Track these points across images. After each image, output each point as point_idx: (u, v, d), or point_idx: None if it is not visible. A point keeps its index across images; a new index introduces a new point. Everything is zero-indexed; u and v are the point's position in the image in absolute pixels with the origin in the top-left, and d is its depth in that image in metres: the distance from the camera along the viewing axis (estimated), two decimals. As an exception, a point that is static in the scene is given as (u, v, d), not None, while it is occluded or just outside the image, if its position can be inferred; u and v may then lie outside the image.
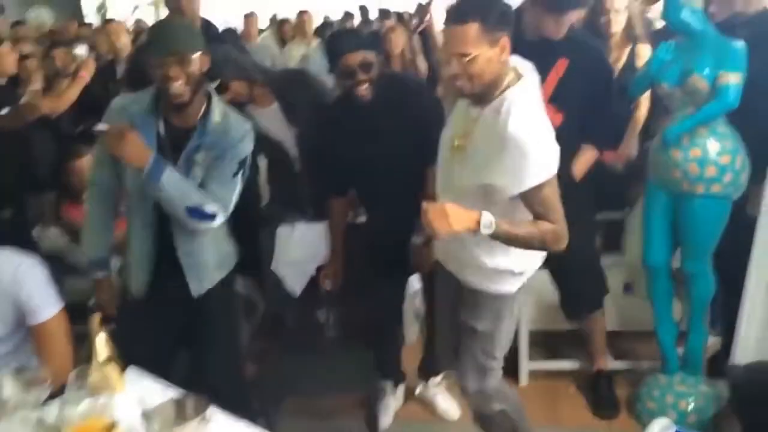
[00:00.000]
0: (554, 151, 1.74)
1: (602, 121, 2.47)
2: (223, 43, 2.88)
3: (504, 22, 1.71)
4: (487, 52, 1.69)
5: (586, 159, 2.48)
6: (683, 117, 2.29)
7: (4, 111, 2.47)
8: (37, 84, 3.13)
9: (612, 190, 3.07)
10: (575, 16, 2.37)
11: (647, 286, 2.64)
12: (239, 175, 2.06)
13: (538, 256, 1.97)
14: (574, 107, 2.28)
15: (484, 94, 1.77)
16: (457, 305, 2.03)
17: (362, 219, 2.70)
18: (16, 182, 2.54)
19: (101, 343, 1.62)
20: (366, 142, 2.30)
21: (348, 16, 7.97)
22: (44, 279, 1.98)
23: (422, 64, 4.74)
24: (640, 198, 2.77)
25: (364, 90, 2.24)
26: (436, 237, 1.73)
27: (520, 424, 2.18)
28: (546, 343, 3.09)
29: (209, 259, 2.17)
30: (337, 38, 2.44)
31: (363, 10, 7.98)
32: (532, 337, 2.95)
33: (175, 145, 2.01)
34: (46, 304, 1.96)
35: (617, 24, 3.06)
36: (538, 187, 1.71)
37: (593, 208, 2.74)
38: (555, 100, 2.25)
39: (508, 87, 1.76)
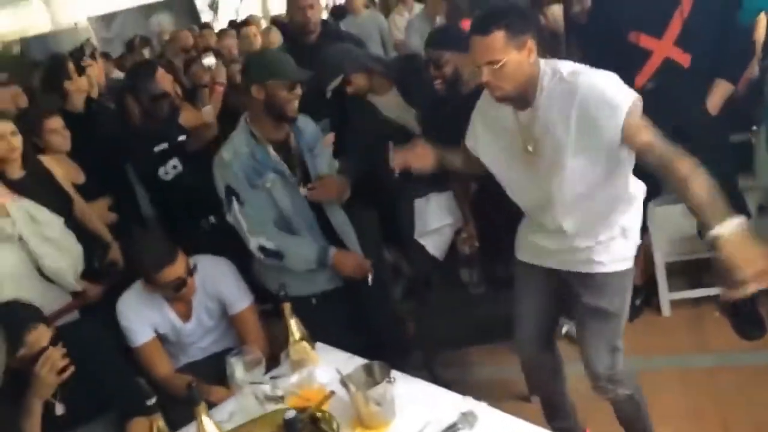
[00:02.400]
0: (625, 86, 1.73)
1: (733, 53, 2.46)
2: (341, 40, 3.14)
3: (527, 26, 1.75)
4: (515, 57, 1.72)
5: (720, 94, 2.50)
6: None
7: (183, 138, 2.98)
8: (209, 109, 3.47)
9: (737, 112, 3.05)
10: None
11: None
12: None
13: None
14: (702, 46, 2.28)
15: (523, 96, 1.80)
16: (572, 294, 2.05)
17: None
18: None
19: (295, 326, 1.99)
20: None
21: None
22: (237, 277, 2.41)
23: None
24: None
25: (438, 84, 2.49)
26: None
27: (644, 411, 2.15)
28: (685, 273, 3.17)
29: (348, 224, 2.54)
30: (430, 33, 2.70)
31: None
32: (671, 268, 3.06)
33: (285, 155, 2.35)
34: (241, 298, 2.40)
35: None
36: (636, 127, 1.67)
37: (725, 132, 2.77)
38: (681, 41, 2.28)
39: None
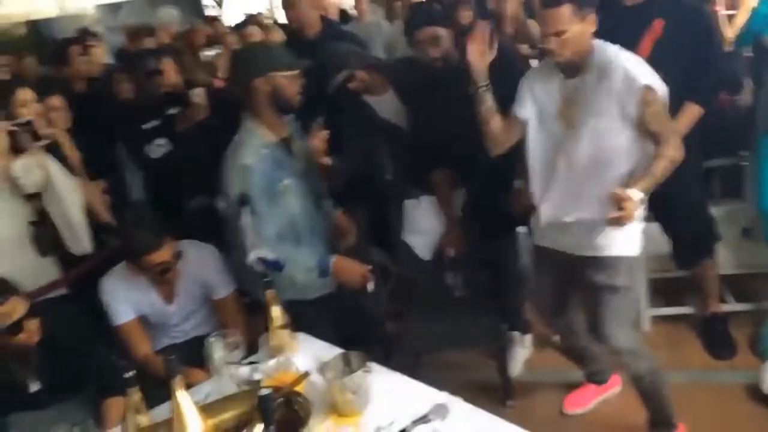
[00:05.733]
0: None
1: (706, 76, 2.49)
2: (342, 39, 3.18)
3: (590, 2, 2.02)
4: (578, 28, 2.00)
5: (688, 117, 2.48)
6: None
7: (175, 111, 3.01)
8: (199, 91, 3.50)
9: (730, 135, 3.09)
10: None
11: (764, 230, 2.70)
12: None
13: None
14: (673, 67, 2.30)
15: (580, 62, 2.07)
16: (583, 276, 2.23)
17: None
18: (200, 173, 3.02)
19: (276, 313, 2.00)
20: (459, 110, 2.43)
21: None
22: (221, 264, 2.43)
23: (534, 28, 4.76)
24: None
25: (438, 62, 2.51)
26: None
27: (665, 385, 2.31)
28: (667, 290, 3.20)
29: None
30: (411, 14, 2.70)
31: None
32: (653, 285, 3.10)
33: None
34: (224, 284, 2.42)
35: None
36: (653, 99, 1.98)
37: (699, 159, 2.74)
38: (652, 61, 2.31)
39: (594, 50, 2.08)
